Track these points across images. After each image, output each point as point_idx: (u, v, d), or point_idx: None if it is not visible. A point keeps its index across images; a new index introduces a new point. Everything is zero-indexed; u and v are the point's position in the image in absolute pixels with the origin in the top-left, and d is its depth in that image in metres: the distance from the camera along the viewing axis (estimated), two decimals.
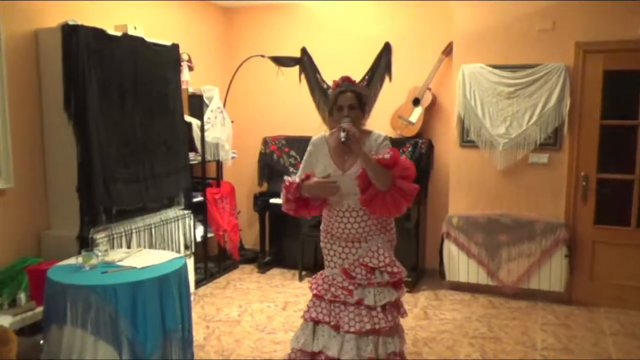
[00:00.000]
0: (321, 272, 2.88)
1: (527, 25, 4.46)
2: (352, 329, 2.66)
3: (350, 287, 2.72)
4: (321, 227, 2.90)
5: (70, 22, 3.45)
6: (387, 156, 2.61)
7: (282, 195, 2.80)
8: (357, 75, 5.27)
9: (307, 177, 2.77)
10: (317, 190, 2.71)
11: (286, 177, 2.82)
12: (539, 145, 4.48)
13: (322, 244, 2.88)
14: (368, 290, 2.70)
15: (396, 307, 2.79)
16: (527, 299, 4.57)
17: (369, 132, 2.75)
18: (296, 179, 2.80)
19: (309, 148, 2.83)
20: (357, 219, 2.70)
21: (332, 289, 2.75)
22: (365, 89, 2.78)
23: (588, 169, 4.41)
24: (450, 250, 4.75)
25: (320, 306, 2.78)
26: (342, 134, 2.54)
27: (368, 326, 2.65)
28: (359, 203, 2.67)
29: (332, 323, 2.73)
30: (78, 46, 3.41)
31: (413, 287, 4.83)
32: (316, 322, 2.79)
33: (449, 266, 4.77)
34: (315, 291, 2.80)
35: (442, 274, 4.84)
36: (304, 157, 2.84)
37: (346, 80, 2.75)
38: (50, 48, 3.54)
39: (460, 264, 4.74)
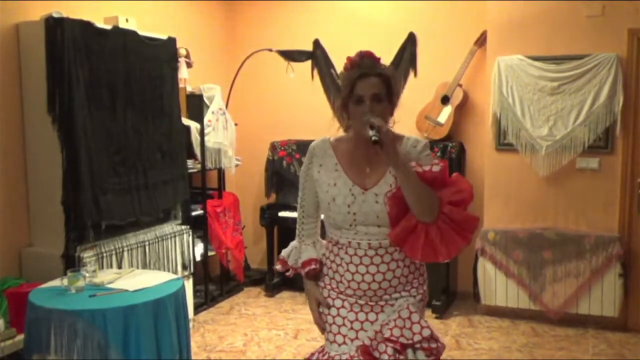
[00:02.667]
0: (321, 348, 2.26)
1: (573, 10, 4.45)
2: None
3: None
4: (322, 273, 2.27)
5: (55, 15, 3.51)
6: (435, 169, 2.03)
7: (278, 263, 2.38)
8: None
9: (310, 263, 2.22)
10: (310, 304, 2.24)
11: (282, 254, 2.34)
12: (587, 148, 4.45)
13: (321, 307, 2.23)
14: None
15: None
16: (575, 326, 4.51)
17: (400, 137, 2.15)
18: (298, 209, 2.28)
19: (306, 159, 2.23)
20: (381, 266, 2.08)
21: None
22: (393, 70, 2.19)
23: None
24: (486, 269, 4.72)
25: None
26: (372, 132, 1.94)
27: None
28: (386, 240, 2.07)
29: None
30: (63, 41, 3.47)
31: (443, 312, 4.80)
32: None
33: (484, 288, 4.74)
34: None
35: (476, 297, 4.81)
36: (301, 174, 2.25)
37: (367, 56, 2.09)
38: (32, 43, 3.60)
39: (497, 286, 4.70)
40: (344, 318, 2.14)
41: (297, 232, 2.31)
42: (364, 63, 2.07)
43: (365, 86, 2.03)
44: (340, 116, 2.17)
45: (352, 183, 2.10)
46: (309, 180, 2.21)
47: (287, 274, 2.32)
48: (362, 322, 2.12)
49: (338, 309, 2.16)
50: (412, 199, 1.99)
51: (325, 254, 2.23)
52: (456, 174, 2.13)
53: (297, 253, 2.29)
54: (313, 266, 2.22)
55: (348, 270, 2.11)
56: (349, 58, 2.11)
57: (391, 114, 2.14)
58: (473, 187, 2.07)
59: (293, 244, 2.32)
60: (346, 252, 2.11)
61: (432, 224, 2.02)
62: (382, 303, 2.11)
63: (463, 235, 2.04)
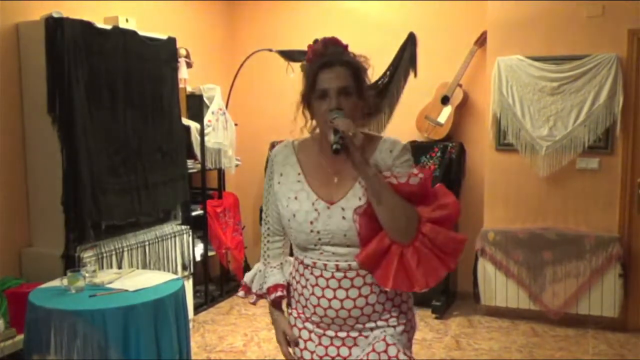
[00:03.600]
0: None
1: (573, 10, 4.45)
2: None
3: None
4: (286, 303, 1.98)
5: (55, 15, 3.51)
6: (413, 181, 1.69)
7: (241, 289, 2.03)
8: (378, 70, 5.28)
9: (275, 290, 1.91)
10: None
11: (245, 279, 2.01)
12: (587, 149, 4.45)
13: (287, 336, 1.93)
14: None
15: None
16: (575, 326, 4.52)
17: (376, 139, 1.83)
18: (262, 237, 1.98)
19: (267, 167, 1.96)
20: (350, 291, 1.76)
21: None
22: (364, 61, 1.84)
23: None
24: (486, 269, 4.72)
25: None
26: (334, 137, 1.64)
27: None
28: (356, 262, 1.76)
29: None
30: (63, 41, 3.47)
31: (443, 312, 4.80)
32: None
33: (484, 288, 4.74)
34: None
35: (476, 298, 4.81)
36: (265, 185, 1.96)
37: (332, 44, 1.81)
38: (32, 43, 3.61)
39: (497, 286, 4.70)
40: (312, 352, 1.84)
41: (261, 252, 2.00)
42: (328, 52, 1.78)
43: (330, 77, 1.73)
44: (303, 115, 1.84)
45: (315, 196, 1.78)
46: (272, 193, 1.89)
47: (251, 302, 1.99)
48: (332, 358, 1.81)
49: (305, 341, 1.85)
50: (383, 216, 1.68)
51: (291, 272, 1.92)
52: (439, 185, 1.78)
53: (261, 277, 1.97)
54: (279, 293, 1.91)
55: (313, 293, 1.79)
56: (310, 46, 1.81)
57: (363, 112, 1.80)
58: (459, 204, 1.75)
59: (257, 266, 2.01)
60: (311, 273, 1.80)
61: (409, 245, 1.69)
62: (354, 334, 1.79)
63: (444, 260, 1.70)
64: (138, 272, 3.39)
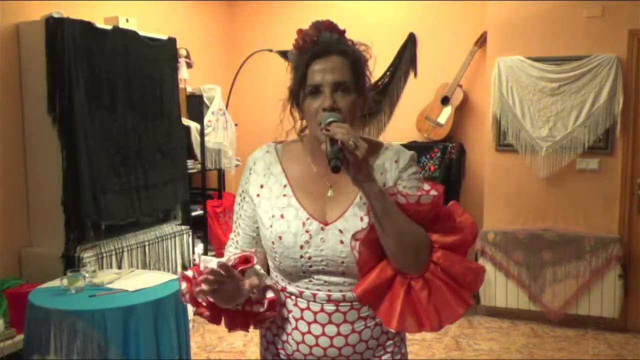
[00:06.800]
0: None
1: (573, 11, 4.45)
2: None
3: None
4: (260, 335, 1.65)
5: (55, 15, 3.52)
6: (425, 200, 1.40)
7: (181, 284, 1.53)
8: (378, 70, 5.29)
9: (240, 264, 1.48)
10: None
11: (202, 257, 1.55)
12: (587, 149, 4.45)
13: None
14: None
15: None
16: (575, 327, 4.52)
17: (376, 146, 1.55)
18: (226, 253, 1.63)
19: (243, 176, 1.68)
20: (342, 327, 1.49)
21: None
22: (365, 49, 1.54)
23: None
24: (486, 270, 4.73)
25: None
26: (331, 150, 1.32)
27: None
28: (351, 292, 1.47)
29: None
30: (63, 41, 3.48)
31: None
32: None
33: (484, 289, 4.74)
34: None
35: (476, 298, 4.82)
36: (237, 197, 1.67)
37: (327, 28, 1.53)
38: (32, 44, 3.61)
39: (497, 286, 4.71)
40: None
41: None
42: (322, 38, 1.49)
43: (324, 70, 1.43)
44: (290, 114, 1.59)
45: (306, 215, 1.47)
46: (246, 207, 1.60)
47: (201, 313, 1.52)
48: None
49: None
50: (388, 242, 1.38)
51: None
52: (453, 202, 1.48)
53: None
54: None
55: (297, 328, 1.50)
56: (300, 31, 1.50)
57: (362, 112, 1.50)
58: (476, 223, 1.47)
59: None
60: (295, 304, 1.50)
61: (418, 277, 1.41)
62: None
63: (460, 295, 1.41)
64: (138, 272, 3.39)
